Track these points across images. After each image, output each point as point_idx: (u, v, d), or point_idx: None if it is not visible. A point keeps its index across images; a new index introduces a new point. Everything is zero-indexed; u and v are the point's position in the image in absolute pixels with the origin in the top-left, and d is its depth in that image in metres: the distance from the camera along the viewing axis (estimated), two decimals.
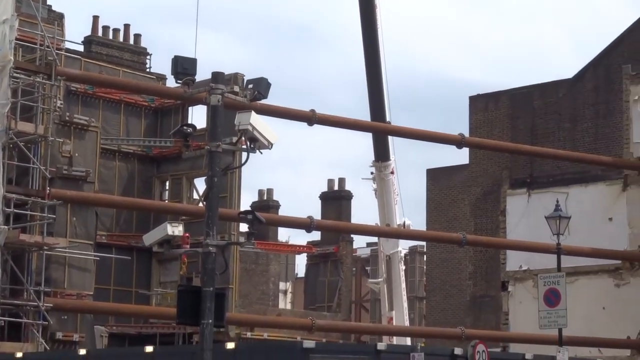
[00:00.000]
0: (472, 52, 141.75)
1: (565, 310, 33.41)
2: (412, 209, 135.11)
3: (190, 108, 46.86)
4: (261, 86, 23.12)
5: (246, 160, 25.58)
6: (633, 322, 43.20)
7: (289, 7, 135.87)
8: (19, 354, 34.14)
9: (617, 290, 44.12)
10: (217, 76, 22.18)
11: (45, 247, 38.60)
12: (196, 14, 31.13)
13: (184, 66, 21.86)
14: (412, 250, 65.03)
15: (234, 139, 25.61)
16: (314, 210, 59.22)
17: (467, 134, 47.34)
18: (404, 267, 47.33)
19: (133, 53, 50.11)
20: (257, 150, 32.82)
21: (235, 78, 42.90)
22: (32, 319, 38.06)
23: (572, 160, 45.54)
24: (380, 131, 43.99)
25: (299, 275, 68.96)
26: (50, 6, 46.44)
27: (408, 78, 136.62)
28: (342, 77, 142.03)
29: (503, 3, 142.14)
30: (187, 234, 39.32)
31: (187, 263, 40.81)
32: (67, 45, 44.03)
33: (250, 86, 24.16)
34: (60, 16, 45.22)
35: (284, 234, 60.22)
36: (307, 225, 42.40)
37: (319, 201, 61.43)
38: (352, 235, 58.42)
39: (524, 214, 45.70)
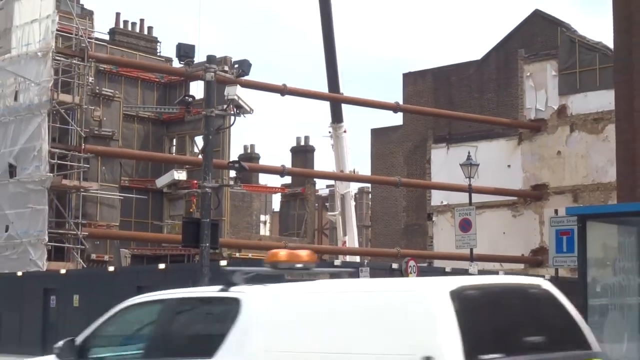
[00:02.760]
0: (406, 37, 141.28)
1: (475, 234, 33.58)
2: (360, 159, 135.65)
3: (190, 83, 46.57)
4: (244, 65, 23.05)
5: (233, 122, 25.59)
6: (526, 243, 43.57)
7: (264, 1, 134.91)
8: (63, 271, 34.09)
9: (514, 220, 44.41)
10: (210, 58, 22.07)
11: (82, 189, 38.45)
12: (199, 14, 30.89)
13: (185, 51, 21.77)
14: (360, 190, 65.19)
15: (224, 107, 25.52)
16: (286, 160, 59.02)
17: (401, 102, 47.34)
18: (354, 203, 47.45)
19: (147, 41, 49.66)
20: (242, 115, 32.70)
21: (224, 59, 42.60)
22: (72, 244, 37.99)
23: (480, 121, 45.62)
24: (335, 99, 43.96)
25: (275, 210, 68.91)
26: (82, 5, 45.93)
27: (357, 57, 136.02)
28: (304, 55, 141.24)
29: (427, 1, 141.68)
30: (194, 181, 39.40)
31: (195, 201, 40.89)
32: (96, 35, 43.64)
33: (236, 66, 24.08)
34: (91, 12, 44.74)
35: (263, 179, 60.16)
36: (280, 171, 42.46)
37: (290, 153, 61.40)
38: (314, 179, 58.48)
39: (444, 163, 45.72)
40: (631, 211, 15.25)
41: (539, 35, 46.65)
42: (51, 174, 36.52)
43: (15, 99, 38.27)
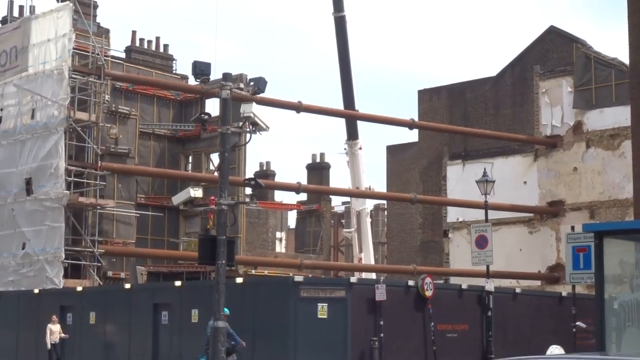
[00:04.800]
0: (422, 53, 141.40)
1: (492, 251, 33.40)
2: (375, 176, 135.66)
3: (206, 100, 46.71)
4: (260, 83, 23.13)
5: (249, 140, 25.56)
6: (542, 260, 43.40)
7: (280, 16, 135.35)
8: (79, 288, 34.20)
9: (530, 236, 44.25)
10: (226, 76, 22.11)
11: (98, 207, 38.59)
12: (215, 32, 31.03)
13: (201, 68, 21.86)
14: (376, 207, 64.99)
15: (240, 124, 25.57)
16: (302, 177, 59.17)
17: (416, 119, 47.34)
18: (370, 220, 47.33)
19: (162, 58, 49.81)
20: (258, 132, 32.80)
21: (240, 77, 42.74)
22: (89, 261, 38.09)
23: (495, 138, 45.56)
24: (351, 116, 43.95)
25: (290, 227, 68.86)
26: (99, 23, 46.12)
27: (372, 73, 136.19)
28: (320, 71, 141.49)
29: (441, 14, 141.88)
30: (212, 197, 39.48)
31: (212, 218, 40.88)
32: (112, 53, 43.83)
33: (252, 83, 24.16)
34: (107, 31, 44.96)
35: (279, 196, 60.16)
36: (296, 188, 42.49)
37: (305, 170, 61.44)
38: (330, 196, 58.46)
39: (460, 179, 45.69)
40: None
41: (555, 51, 46.62)
42: (68, 192, 36.69)
43: (32, 117, 38.50)
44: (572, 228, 32.73)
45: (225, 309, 22.73)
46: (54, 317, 31.27)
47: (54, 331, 30.98)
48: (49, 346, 30.92)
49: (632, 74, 23.54)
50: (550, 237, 43.52)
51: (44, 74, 38.03)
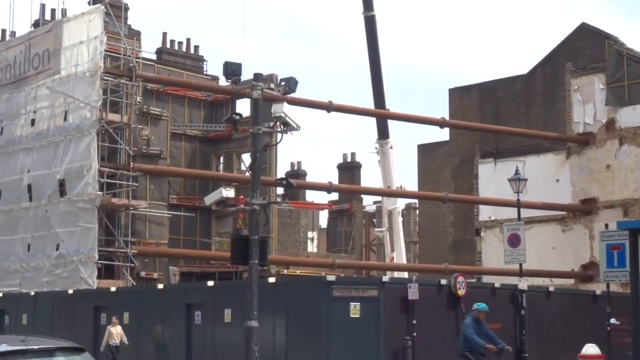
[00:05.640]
0: (452, 51, 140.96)
1: (524, 249, 33.29)
2: (406, 175, 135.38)
3: (237, 101, 46.85)
4: (291, 83, 23.13)
5: (280, 140, 25.58)
6: (575, 258, 43.12)
7: (310, 16, 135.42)
8: (113, 288, 34.40)
9: (563, 234, 43.99)
10: (257, 76, 22.17)
11: (131, 208, 38.81)
12: (244, 33, 31.13)
13: (232, 69, 21.88)
14: (408, 206, 64.94)
15: (271, 124, 25.60)
16: (333, 176, 59.15)
17: (447, 117, 47.19)
18: (401, 219, 47.25)
19: (193, 60, 50.00)
20: (289, 132, 32.74)
21: (271, 77, 42.82)
22: (122, 261, 38.32)
23: (527, 136, 45.30)
24: (381, 116, 43.91)
25: (322, 226, 68.94)
26: (130, 25, 46.39)
27: (402, 71, 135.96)
28: (350, 69, 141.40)
29: (472, 13, 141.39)
30: (242, 196, 39.57)
31: (242, 218, 41.01)
32: (144, 54, 44.03)
33: (283, 83, 24.15)
34: (138, 33, 45.18)
35: (310, 196, 60.24)
36: (327, 188, 42.47)
37: (336, 170, 61.49)
38: (361, 195, 58.43)
39: (492, 178, 45.52)
40: None
41: (586, 48, 46.27)
42: (101, 193, 36.91)
43: (65, 119, 38.79)
44: (606, 226, 32.51)
45: (482, 304, 21.81)
46: (114, 318, 30.58)
47: (113, 333, 30.35)
48: (102, 348, 30.06)
49: None
50: (584, 235, 43.23)
51: (76, 76, 38.29)
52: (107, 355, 30.37)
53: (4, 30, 49.66)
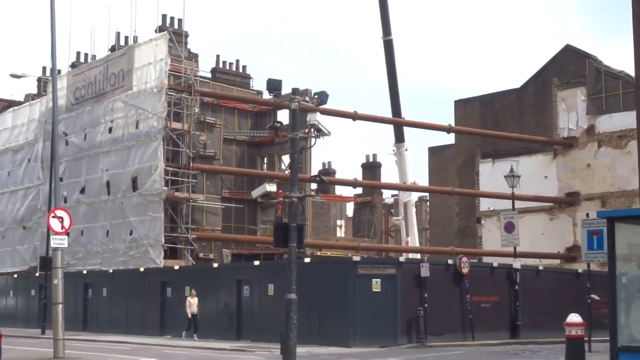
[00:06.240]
0: (456, 68, 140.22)
1: (518, 235, 33.19)
2: (419, 173, 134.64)
3: (278, 111, 46.86)
4: (323, 96, 23.07)
5: (314, 144, 25.67)
6: (561, 242, 42.90)
7: (337, 40, 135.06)
8: (176, 267, 34.62)
9: (550, 222, 43.74)
10: (295, 90, 22.14)
11: (191, 200, 38.92)
12: (281, 51, 31.07)
13: (274, 85, 21.84)
14: (420, 199, 64.49)
15: (307, 130, 25.64)
16: (357, 174, 58.80)
17: (453, 124, 46.98)
18: (415, 209, 47.12)
19: (242, 77, 50.00)
20: (321, 137, 32.75)
21: (306, 91, 42.75)
22: (184, 245, 38.46)
23: (520, 140, 45.00)
24: (398, 123, 43.82)
25: (349, 216, 68.75)
26: (189, 49, 46.46)
27: (415, 85, 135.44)
28: (372, 86, 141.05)
29: (471, 37, 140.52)
30: (280, 191, 39.59)
31: (281, 208, 40.97)
32: (201, 73, 44.13)
33: (316, 96, 24.12)
34: (196, 55, 45.29)
35: (339, 190, 60.14)
36: (353, 184, 42.56)
37: (360, 169, 61.33)
38: (382, 190, 58.28)
39: (491, 175, 45.39)
40: None
41: (570, 65, 45.87)
42: (166, 188, 37.13)
43: (137, 127, 39.05)
44: (587, 215, 32.34)
45: None
46: (193, 291, 30.70)
47: (192, 303, 30.48)
48: (189, 315, 30.38)
49: (637, 84, 23.13)
50: (568, 223, 42.98)
51: (145, 91, 38.52)
52: (190, 321, 30.55)
53: (86, 54, 50.03)
